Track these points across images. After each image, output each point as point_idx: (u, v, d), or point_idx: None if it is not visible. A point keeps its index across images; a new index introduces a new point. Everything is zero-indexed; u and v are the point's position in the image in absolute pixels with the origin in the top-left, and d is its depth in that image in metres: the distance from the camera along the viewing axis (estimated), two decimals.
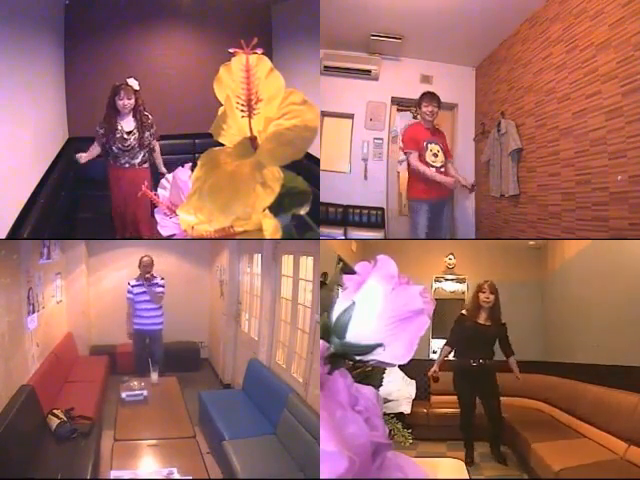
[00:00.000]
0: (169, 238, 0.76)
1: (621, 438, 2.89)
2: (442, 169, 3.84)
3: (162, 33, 5.26)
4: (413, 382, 1.30)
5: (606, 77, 2.78)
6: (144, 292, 4.40)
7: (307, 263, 3.41)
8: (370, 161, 5.30)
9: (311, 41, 4.27)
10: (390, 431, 1.24)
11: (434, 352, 5.15)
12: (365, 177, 5.31)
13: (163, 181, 0.81)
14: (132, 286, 4.43)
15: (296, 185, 0.61)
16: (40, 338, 3.69)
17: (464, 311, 3.87)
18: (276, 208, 0.59)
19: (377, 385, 0.69)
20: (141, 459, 2.77)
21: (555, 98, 3.42)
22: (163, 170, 3.72)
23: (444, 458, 3.04)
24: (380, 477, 0.48)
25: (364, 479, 0.45)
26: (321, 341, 0.57)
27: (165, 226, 0.77)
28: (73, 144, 4.72)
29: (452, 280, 5.32)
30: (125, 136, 3.53)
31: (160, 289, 4.43)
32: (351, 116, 5.35)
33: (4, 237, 2.77)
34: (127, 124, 3.55)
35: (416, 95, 4.09)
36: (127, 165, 3.59)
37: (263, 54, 0.56)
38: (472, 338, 3.75)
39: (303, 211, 0.62)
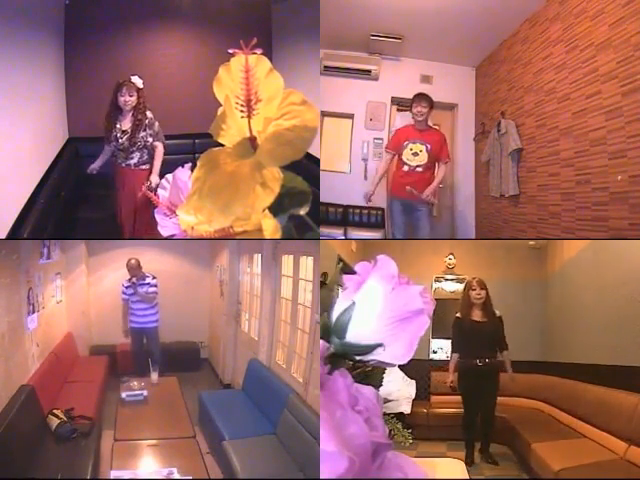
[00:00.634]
0: (169, 238, 0.76)
1: (621, 438, 2.89)
2: (418, 169, 3.89)
3: (162, 33, 5.25)
4: (413, 382, 1.30)
5: (606, 77, 2.78)
6: (135, 293, 4.46)
7: (307, 263, 3.41)
8: (370, 161, 5.30)
9: (311, 41, 4.27)
10: (390, 431, 1.24)
11: (434, 352, 5.16)
12: (365, 177, 5.31)
13: (163, 181, 0.81)
14: (126, 287, 4.50)
15: (296, 185, 0.61)
16: (40, 338, 3.69)
17: (458, 314, 3.86)
18: (276, 208, 0.59)
19: (377, 385, 0.69)
20: (141, 459, 2.77)
21: (555, 98, 3.42)
22: (154, 178, 3.46)
23: (444, 458, 3.04)
24: (380, 477, 0.48)
25: (364, 479, 0.45)
26: (321, 341, 0.57)
27: (165, 226, 0.77)
28: (73, 144, 4.72)
29: (452, 280, 5.32)
30: (119, 135, 3.45)
31: (152, 288, 4.48)
32: (351, 116, 5.35)
33: (4, 237, 2.77)
34: (125, 123, 3.46)
35: None
36: (124, 165, 3.53)
37: (263, 54, 0.56)
38: (472, 337, 3.74)
39: (303, 211, 0.62)
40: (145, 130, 3.46)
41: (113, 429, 3.17)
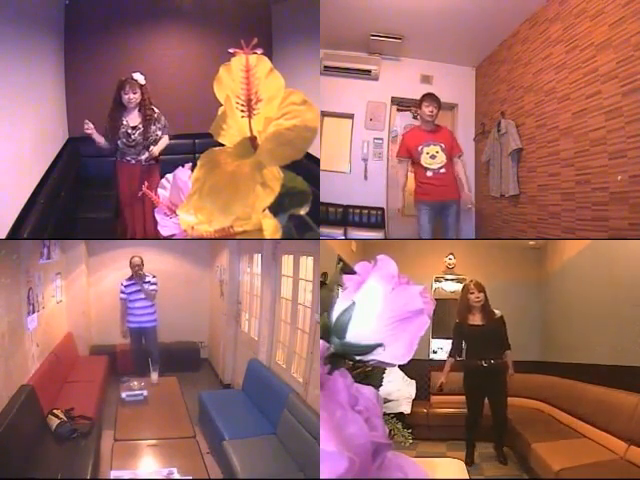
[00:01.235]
0: (169, 238, 0.76)
1: (621, 438, 2.89)
2: (442, 170, 3.86)
3: (162, 33, 5.26)
4: (413, 382, 1.30)
5: (606, 77, 2.78)
6: (137, 290, 4.45)
7: (307, 263, 3.41)
8: (370, 161, 5.30)
9: (311, 41, 4.27)
10: (390, 431, 1.24)
11: (434, 352, 5.16)
12: (365, 177, 5.31)
13: (163, 181, 0.81)
14: (125, 286, 4.49)
15: (296, 185, 0.61)
16: (40, 338, 3.69)
17: (457, 320, 3.86)
18: (276, 208, 0.59)
19: (377, 385, 0.69)
20: (141, 459, 2.78)
21: (555, 98, 3.42)
22: (151, 152, 3.53)
23: (444, 458, 3.04)
24: (380, 477, 0.48)
25: (364, 479, 0.45)
26: (321, 341, 0.57)
27: (165, 226, 0.77)
28: (73, 144, 4.72)
29: (452, 280, 5.32)
30: (130, 131, 3.49)
31: (153, 287, 4.48)
32: (351, 116, 5.35)
33: (4, 237, 2.77)
34: (132, 119, 3.51)
35: (416, 95, 4.09)
36: (133, 161, 3.55)
37: (263, 54, 0.56)
38: (473, 341, 3.73)
39: (303, 211, 0.62)
40: (154, 124, 3.53)
41: (113, 429, 3.17)
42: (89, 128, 3.44)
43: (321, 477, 0.42)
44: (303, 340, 3.39)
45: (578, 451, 3.05)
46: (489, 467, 3.61)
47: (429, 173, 3.87)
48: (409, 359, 0.53)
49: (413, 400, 1.27)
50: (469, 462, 3.60)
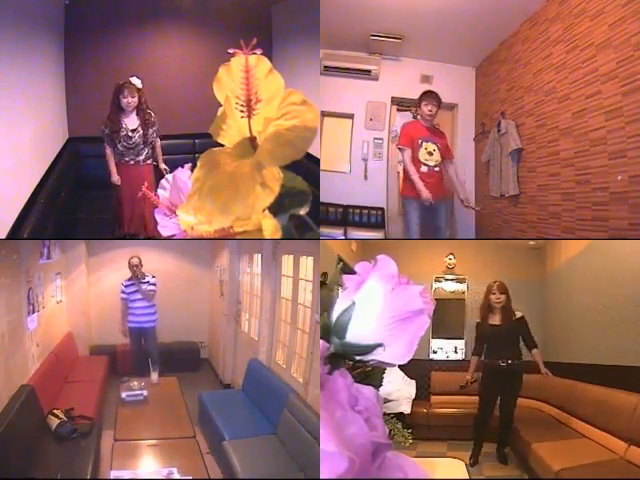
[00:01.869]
0: (169, 238, 0.76)
1: (621, 438, 2.89)
2: (436, 169, 3.81)
3: (162, 33, 5.26)
4: (413, 382, 1.31)
5: (606, 77, 2.78)
6: (137, 291, 4.46)
7: (307, 263, 3.41)
8: (370, 161, 5.30)
9: (311, 41, 4.27)
10: (390, 431, 1.24)
11: (434, 352, 5.16)
12: (365, 177, 5.31)
13: (163, 181, 0.81)
14: (125, 286, 4.50)
15: (296, 185, 0.61)
16: (40, 338, 3.69)
17: (478, 319, 3.86)
18: (276, 208, 0.59)
19: (377, 385, 0.69)
20: (141, 459, 2.77)
21: (555, 98, 3.42)
22: (163, 166, 3.81)
23: (444, 458, 3.04)
24: (380, 477, 0.48)
25: (364, 479, 0.45)
26: (321, 341, 0.57)
27: (165, 226, 0.77)
28: (73, 144, 4.72)
29: (452, 280, 5.32)
30: (130, 134, 3.62)
31: (152, 287, 4.48)
32: (351, 116, 5.35)
33: (4, 237, 2.77)
34: (131, 122, 3.64)
35: (416, 95, 4.09)
36: (132, 162, 3.69)
37: (263, 54, 0.56)
38: (492, 341, 3.71)
39: (303, 211, 0.62)
40: (152, 127, 3.70)
41: (113, 429, 3.17)
42: (115, 179, 3.69)
43: (321, 477, 0.42)
44: (303, 340, 3.39)
45: (578, 451, 3.05)
46: (489, 467, 3.61)
47: (424, 169, 3.78)
48: (409, 359, 0.53)
49: (413, 400, 1.27)
50: (473, 462, 3.60)
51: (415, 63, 5.25)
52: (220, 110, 0.59)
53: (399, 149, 3.95)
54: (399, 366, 0.93)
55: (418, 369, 4.74)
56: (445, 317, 5.06)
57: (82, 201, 4.54)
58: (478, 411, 3.77)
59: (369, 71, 5.16)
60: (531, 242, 4.79)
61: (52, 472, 2.50)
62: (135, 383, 3.85)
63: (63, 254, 4.70)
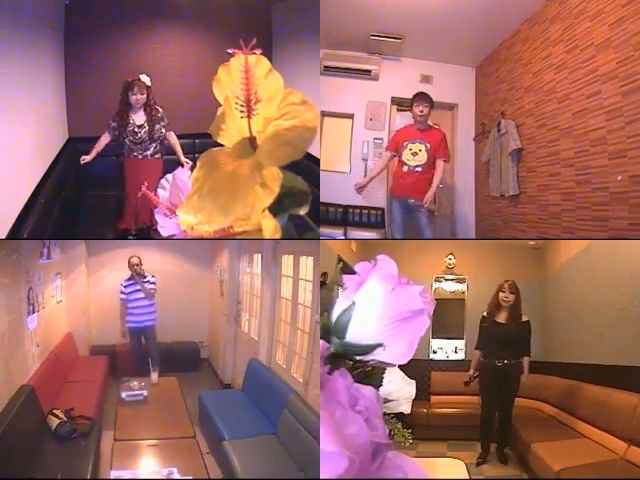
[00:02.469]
0: (169, 238, 0.76)
1: (621, 438, 2.89)
2: (417, 169, 3.91)
3: (161, 33, 5.25)
4: (413, 382, 1.30)
5: (606, 77, 2.78)
6: (137, 290, 4.45)
7: (307, 263, 3.41)
8: (370, 161, 5.30)
9: (311, 41, 4.27)
10: (390, 431, 1.24)
11: (434, 352, 5.16)
12: (365, 177, 5.31)
13: (163, 181, 0.81)
14: (125, 286, 4.49)
15: (296, 185, 0.61)
16: (40, 338, 3.69)
17: (485, 313, 3.86)
18: (276, 208, 0.59)
19: (377, 385, 0.69)
20: (141, 459, 2.77)
21: (555, 98, 3.42)
22: (183, 160, 3.93)
23: (444, 458, 3.04)
24: (380, 477, 0.48)
25: (364, 479, 0.45)
26: (321, 341, 0.57)
27: (165, 226, 0.77)
28: (73, 144, 4.72)
29: (452, 280, 5.32)
30: (136, 129, 3.75)
31: (151, 286, 4.49)
32: (351, 116, 5.35)
33: (4, 237, 2.77)
34: (138, 118, 3.77)
35: None
36: (140, 157, 3.83)
37: (262, 54, 0.56)
38: (493, 338, 3.73)
39: (303, 211, 0.62)
40: (159, 123, 3.82)
41: (113, 429, 3.17)
42: (85, 158, 3.88)
43: (321, 477, 0.42)
44: (303, 340, 3.39)
45: (578, 451, 3.05)
46: (489, 467, 3.61)
47: (405, 169, 3.95)
48: (409, 359, 0.53)
49: (413, 400, 1.27)
50: (481, 463, 3.60)
51: (415, 63, 5.25)
52: (220, 110, 0.59)
53: (385, 152, 4.26)
54: (399, 366, 0.93)
55: (418, 369, 4.74)
56: (445, 317, 5.06)
57: (82, 201, 4.53)
58: (482, 412, 3.78)
59: (369, 71, 5.16)
60: (531, 242, 4.79)
61: (52, 472, 2.50)
62: (135, 383, 3.85)
63: (63, 254, 4.70)
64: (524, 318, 3.74)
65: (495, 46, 4.60)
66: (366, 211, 5.15)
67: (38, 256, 3.94)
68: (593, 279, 3.75)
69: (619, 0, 2.63)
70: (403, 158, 3.93)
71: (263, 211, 0.57)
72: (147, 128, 3.76)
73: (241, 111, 0.56)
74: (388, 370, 0.72)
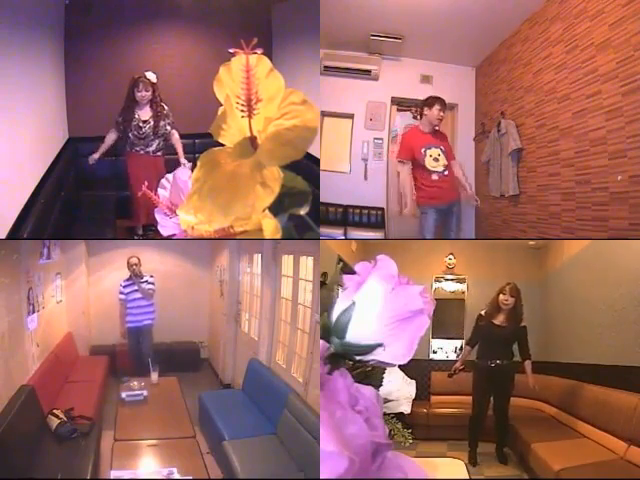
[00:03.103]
0: (169, 238, 0.76)
1: (621, 438, 2.89)
2: (445, 173, 3.78)
3: (162, 33, 5.25)
4: (413, 382, 1.30)
5: (606, 77, 2.78)
6: (135, 290, 4.46)
7: (307, 263, 3.41)
8: (370, 161, 5.30)
9: (311, 41, 4.27)
10: (390, 431, 1.24)
11: (434, 352, 5.16)
12: (365, 177, 5.31)
13: (163, 181, 0.81)
14: (124, 286, 4.50)
15: (296, 185, 0.61)
16: (40, 338, 3.69)
17: (483, 312, 3.86)
18: (276, 208, 0.59)
19: (377, 385, 0.69)
20: (141, 459, 2.77)
21: (555, 98, 3.42)
22: (183, 161, 3.96)
23: (444, 458, 3.04)
24: (380, 477, 0.48)
25: (364, 479, 0.45)
26: (321, 341, 0.57)
27: (165, 226, 0.77)
28: (73, 144, 4.72)
29: (452, 280, 5.32)
30: (141, 124, 3.82)
31: (150, 286, 4.49)
32: (351, 116, 5.35)
33: (4, 237, 2.77)
34: (144, 113, 3.84)
35: (416, 95, 4.10)
36: (142, 152, 3.89)
37: (263, 54, 0.56)
38: (488, 338, 3.73)
39: (303, 211, 0.62)
40: (164, 120, 3.88)
41: (113, 429, 3.16)
42: (93, 157, 3.95)
43: (321, 477, 0.42)
44: (303, 340, 3.39)
45: (578, 451, 3.05)
46: (489, 467, 3.61)
47: (435, 177, 3.76)
48: (409, 359, 0.53)
49: (413, 400, 1.27)
50: (472, 463, 3.60)
51: (415, 63, 5.25)
52: (220, 110, 0.59)
53: (399, 162, 3.95)
54: (399, 366, 0.93)
55: (418, 369, 4.74)
56: (445, 317, 5.06)
57: (82, 201, 4.53)
58: (472, 411, 3.79)
59: (369, 71, 5.16)
60: (531, 242, 4.79)
61: (52, 472, 2.50)
62: (135, 383, 3.85)
63: (63, 254, 4.70)
64: (522, 323, 3.74)
65: (495, 46, 4.60)
66: (366, 211, 5.15)
67: (38, 256, 3.94)
68: (593, 279, 3.75)
69: (619, 0, 2.63)
70: (427, 166, 3.74)
71: (263, 211, 0.57)
72: (152, 124, 3.83)
73: (242, 111, 0.56)
74: (388, 370, 0.72)
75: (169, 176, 0.80)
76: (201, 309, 5.57)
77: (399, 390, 1.24)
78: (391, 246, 4.73)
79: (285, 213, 0.61)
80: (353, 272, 0.58)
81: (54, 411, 3.02)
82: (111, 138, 3.93)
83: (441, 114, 3.79)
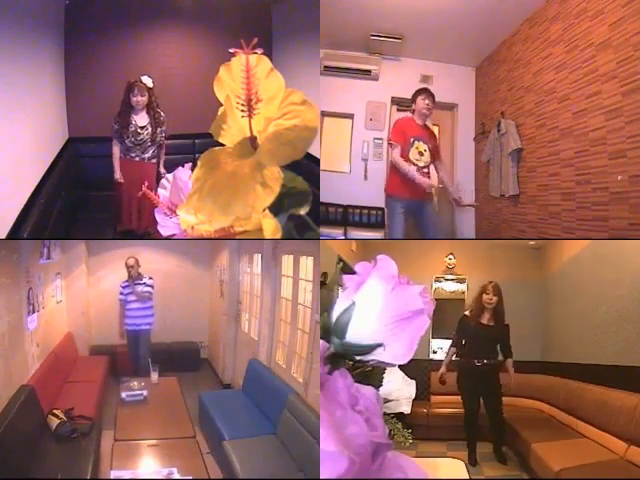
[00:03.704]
0: (169, 238, 0.76)
1: (621, 438, 2.89)
2: (425, 169, 3.71)
3: (162, 33, 5.25)
4: (413, 382, 1.30)
5: (606, 77, 2.78)
6: (132, 292, 4.45)
7: (307, 263, 3.41)
8: (370, 161, 5.30)
9: (311, 41, 4.27)
10: (390, 431, 1.24)
11: (434, 352, 5.16)
12: (365, 177, 5.31)
13: (163, 181, 0.81)
14: (123, 287, 4.50)
15: (296, 185, 0.61)
16: (40, 338, 3.69)
17: (467, 312, 3.87)
18: (276, 208, 0.59)
19: (377, 385, 0.69)
20: (141, 459, 2.77)
21: (555, 98, 3.42)
22: (162, 170, 3.85)
23: (444, 458, 3.04)
24: (380, 477, 0.48)
25: (364, 479, 0.45)
26: (321, 341, 0.57)
27: (165, 226, 0.77)
28: (73, 144, 4.72)
29: (452, 280, 5.32)
30: (139, 130, 3.72)
31: (147, 288, 4.47)
32: (351, 116, 5.35)
33: (4, 237, 2.77)
34: (140, 119, 3.74)
35: None
36: (137, 159, 3.78)
37: (263, 54, 0.56)
38: (474, 338, 3.75)
39: (303, 211, 0.62)
40: (161, 127, 3.80)
41: (113, 429, 3.16)
42: (118, 176, 3.78)
43: (321, 477, 0.42)
44: (303, 340, 3.39)
45: (578, 451, 3.05)
46: (489, 467, 3.61)
47: (413, 168, 3.64)
48: (409, 359, 0.53)
49: (413, 400, 1.27)
50: (472, 463, 3.60)
51: (415, 63, 5.25)
52: (220, 110, 0.59)
53: (389, 144, 3.85)
54: (399, 366, 0.93)
55: (418, 369, 4.74)
56: (445, 317, 5.05)
57: (82, 201, 4.53)
58: (464, 412, 3.79)
59: (369, 71, 5.16)
60: (531, 242, 4.79)
61: (52, 472, 2.50)
62: (135, 383, 3.85)
63: (63, 254, 4.70)
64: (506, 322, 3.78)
65: (495, 46, 4.60)
66: (366, 211, 5.15)
67: (38, 256, 3.94)
68: (593, 279, 3.75)
69: (619, 0, 2.63)
70: (411, 157, 3.68)
71: (263, 211, 0.57)
72: (150, 130, 3.74)
73: (242, 110, 0.56)
74: (388, 370, 0.72)
75: (169, 176, 0.80)
76: (201, 309, 5.57)
77: (399, 390, 1.24)
78: (391, 246, 4.73)
79: (285, 213, 0.61)
80: (353, 272, 0.58)
81: (54, 411, 3.02)
82: (117, 150, 3.81)
83: (427, 102, 3.69)
